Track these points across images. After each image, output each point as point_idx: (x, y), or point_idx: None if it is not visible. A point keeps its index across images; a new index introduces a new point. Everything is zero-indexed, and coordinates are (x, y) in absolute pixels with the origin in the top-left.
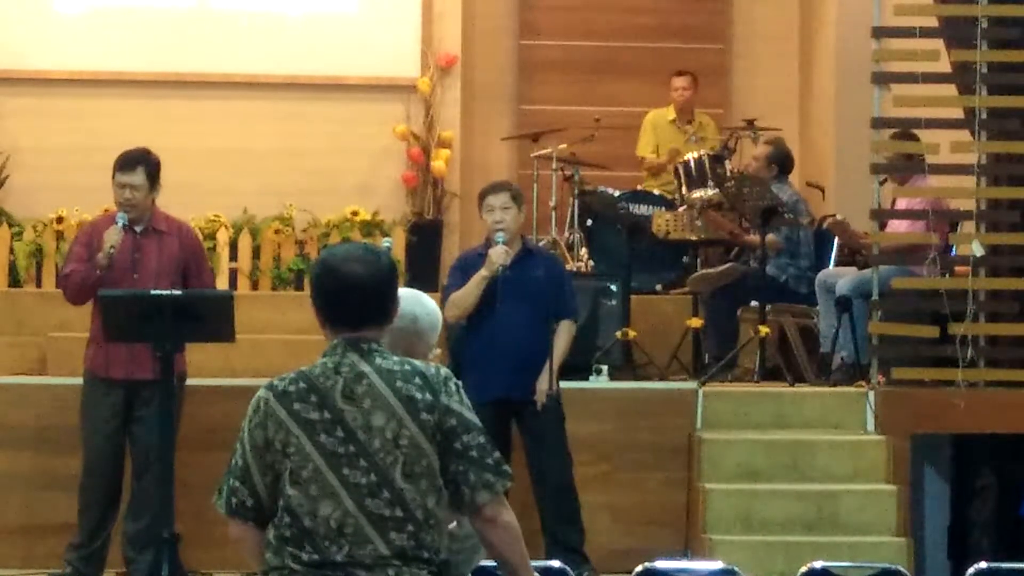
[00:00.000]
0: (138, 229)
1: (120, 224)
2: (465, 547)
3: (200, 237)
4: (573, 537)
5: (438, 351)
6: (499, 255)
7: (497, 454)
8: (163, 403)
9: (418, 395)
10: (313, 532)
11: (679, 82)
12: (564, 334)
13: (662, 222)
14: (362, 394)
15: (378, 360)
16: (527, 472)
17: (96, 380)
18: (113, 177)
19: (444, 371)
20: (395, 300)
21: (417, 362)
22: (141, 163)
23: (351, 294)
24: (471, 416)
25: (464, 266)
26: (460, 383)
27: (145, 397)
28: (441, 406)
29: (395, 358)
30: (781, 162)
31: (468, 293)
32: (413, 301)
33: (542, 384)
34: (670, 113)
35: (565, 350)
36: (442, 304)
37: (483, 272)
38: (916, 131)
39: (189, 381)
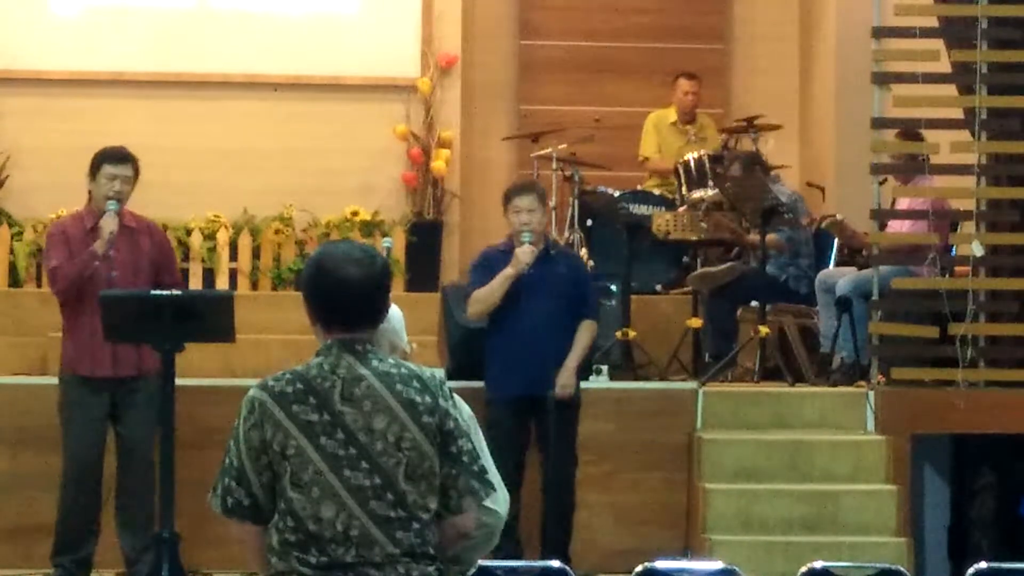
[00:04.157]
0: None
1: (113, 210)
2: (476, 535)
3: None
4: (559, 536)
5: (415, 346)
6: (527, 254)
7: (482, 462)
8: (164, 403)
9: (418, 398)
10: (319, 536)
11: (687, 85)
12: (585, 333)
13: (662, 222)
14: (361, 396)
15: (374, 362)
16: (539, 469)
17: (78, 379)
18: (98, 170)
19: (439, 374)
20: (388, 300)
21: (412, 365)
22: (130, 159)
23: (346, 294)
24: (463, 421)
25: (487, 264)
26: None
27: (129, 395)
28: (441, 409)
29: (390, 360)
30: (760, 164)
31: (493, 291)
32: None
33: (562, 378)
34: (671, 114)
35: (586, 349)
36: (464, 301)
37: (509, 271)
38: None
39: (188, 381)
